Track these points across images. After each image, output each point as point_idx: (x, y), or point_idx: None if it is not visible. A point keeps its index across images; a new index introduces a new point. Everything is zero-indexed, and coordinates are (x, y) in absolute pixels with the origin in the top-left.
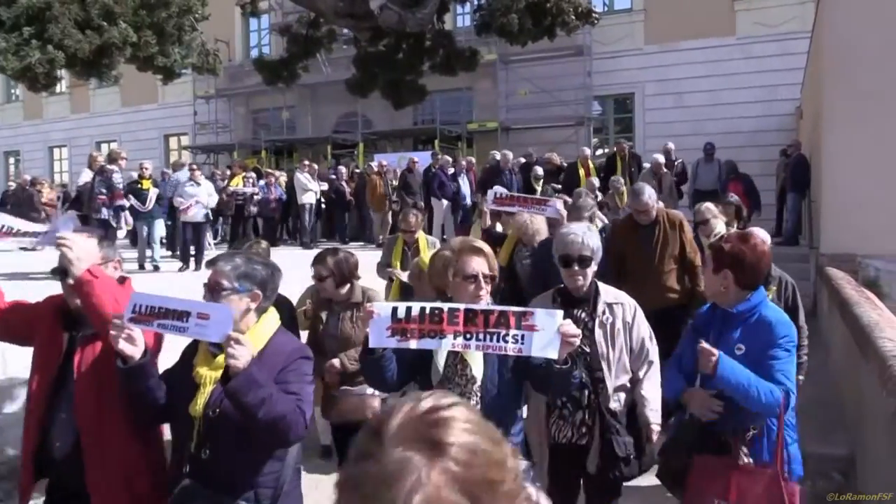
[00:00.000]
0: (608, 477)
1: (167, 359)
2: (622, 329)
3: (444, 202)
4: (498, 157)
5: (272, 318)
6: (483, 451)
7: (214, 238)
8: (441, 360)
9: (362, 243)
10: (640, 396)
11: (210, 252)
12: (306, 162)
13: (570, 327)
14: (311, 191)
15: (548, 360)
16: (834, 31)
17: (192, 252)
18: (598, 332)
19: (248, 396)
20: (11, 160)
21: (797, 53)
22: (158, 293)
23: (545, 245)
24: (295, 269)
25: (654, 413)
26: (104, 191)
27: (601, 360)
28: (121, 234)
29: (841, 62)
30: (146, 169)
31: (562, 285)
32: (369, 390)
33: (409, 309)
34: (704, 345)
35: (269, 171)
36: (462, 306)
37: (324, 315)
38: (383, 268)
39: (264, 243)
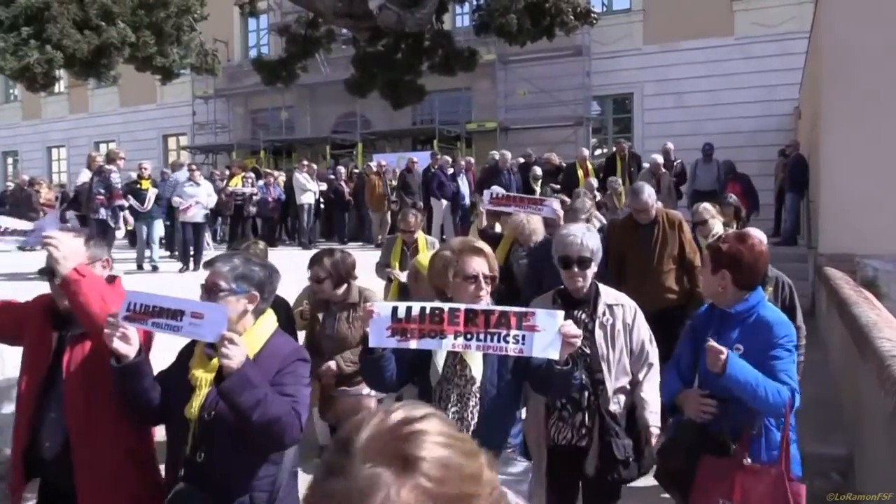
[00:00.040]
0: (607, 479)
1: (166, 359)
2: (622, 331)
3: (444, 202)
4: (497, 157)
5: (269, 320)
6: (457, 465)
7: (213, 238)
8: (440, 361)
9: (361, 243)
10: (639, 399)
11: (209, 252)
12: (305, 162)
13: (572, 328)
14: (309, 191)
15: (548, 361)
16: (832, 31)
17: (192, 252)
18: (599, 334)
19: (242, 397)
20: (10, 160)
21: (796, 53)
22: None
23: (542, 245)
24: (294, 269)
25: (653, 416)
26: (102, 191)
27: (601, 361)
28: (120, 234)
29: (839, 62)
30: (145, 169)
31: (562, 286)
32: (366, 391)
33: (409, 309)
34: (713, 343)
35: (268, 171)
36: (462, 306)
37: (320, 316)
38: (382, 268)
39: (262, 244)
